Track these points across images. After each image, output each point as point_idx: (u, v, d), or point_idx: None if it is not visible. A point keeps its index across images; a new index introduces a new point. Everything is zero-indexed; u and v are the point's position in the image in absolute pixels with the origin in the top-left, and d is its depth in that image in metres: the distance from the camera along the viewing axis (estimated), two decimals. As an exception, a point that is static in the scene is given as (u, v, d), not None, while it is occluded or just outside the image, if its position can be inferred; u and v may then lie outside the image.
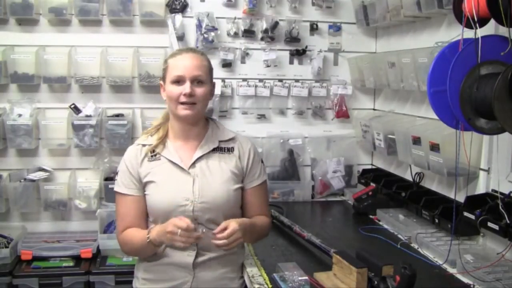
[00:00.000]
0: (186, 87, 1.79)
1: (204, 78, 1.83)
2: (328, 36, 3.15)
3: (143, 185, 1.85)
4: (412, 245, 2.19)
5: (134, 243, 1.84)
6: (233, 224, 1.71)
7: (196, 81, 1.81)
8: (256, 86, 3.07)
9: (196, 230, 1.70)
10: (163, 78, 1.88)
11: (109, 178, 2.88)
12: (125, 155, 1.90)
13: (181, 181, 1.82)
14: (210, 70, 1.89)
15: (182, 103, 1.80)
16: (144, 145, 1.88)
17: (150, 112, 2.92)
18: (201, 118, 1.91)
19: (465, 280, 1.82)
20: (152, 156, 1.86)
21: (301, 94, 3.11)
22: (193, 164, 1.85)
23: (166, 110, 1.95)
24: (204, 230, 1.74)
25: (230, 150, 1.92)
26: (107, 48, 2.90)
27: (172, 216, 1.79)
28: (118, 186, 1.87)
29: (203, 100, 1.84)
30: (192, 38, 2.98)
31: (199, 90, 1.81)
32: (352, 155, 3.20)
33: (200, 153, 1.87)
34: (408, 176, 2.64)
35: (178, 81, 1.81)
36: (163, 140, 1.89)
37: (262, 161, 1.99)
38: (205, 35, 2.95)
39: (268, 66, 3.08)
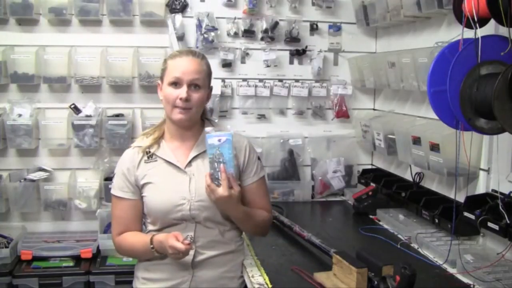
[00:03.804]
0: (183, 92, 1.77)
1: (202, 83, 1.82)
2: (328, 36, 3.15)
3: (140, 188, 1.85)
4: (412, 245, 2.19)
5: (135, 250, 1.86)
6: (233, 191, 1.73)
7: (193, 85, 1.79)
8: (256, 86, 3.06)
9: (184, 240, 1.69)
10: (161, 78, 1.86)
11: (109, 178, 2.88)
12: (121, 159, 1.90)
13: (178, 181, 1.82)
14: (208, 74, 1.87)
15: (177, 107, 1.79)
16: (140, 147, 1.88)
17: (150, 112, 2.93)
18: (197, 121, 1.90)
19: (465, 280, 1.82)
20: (148, 157, 1.86)
21: (301, 94, 3.11)
22: (189, 163, 1.85)
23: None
24: (191, 237, 1.73)
25: None
26: (107, 48, 2.90)
27: (170, 216, 1.80)
28: (114, 189, 1.88)
29: (199, 105, 1.83)
30: (192, 38, 2.98)
31: (196, 95, 1.80)
32: (352, 155, 3.20)
33: (195, 152, 1.87)
34: (408, 176, 2.64)
35: (176, 83, 1.79)
36: (158, 141, 1.89)
37: (259, 158, 1.97)
38: (205, 35, 2.94)
39: (268, 66, 3.07)
